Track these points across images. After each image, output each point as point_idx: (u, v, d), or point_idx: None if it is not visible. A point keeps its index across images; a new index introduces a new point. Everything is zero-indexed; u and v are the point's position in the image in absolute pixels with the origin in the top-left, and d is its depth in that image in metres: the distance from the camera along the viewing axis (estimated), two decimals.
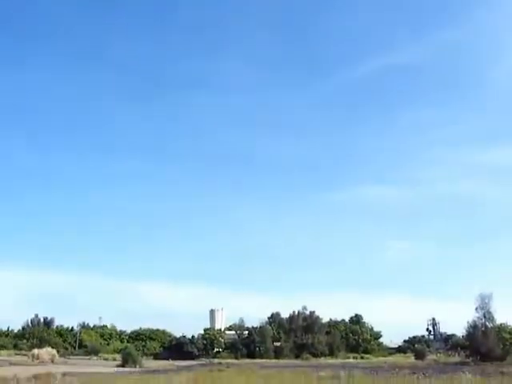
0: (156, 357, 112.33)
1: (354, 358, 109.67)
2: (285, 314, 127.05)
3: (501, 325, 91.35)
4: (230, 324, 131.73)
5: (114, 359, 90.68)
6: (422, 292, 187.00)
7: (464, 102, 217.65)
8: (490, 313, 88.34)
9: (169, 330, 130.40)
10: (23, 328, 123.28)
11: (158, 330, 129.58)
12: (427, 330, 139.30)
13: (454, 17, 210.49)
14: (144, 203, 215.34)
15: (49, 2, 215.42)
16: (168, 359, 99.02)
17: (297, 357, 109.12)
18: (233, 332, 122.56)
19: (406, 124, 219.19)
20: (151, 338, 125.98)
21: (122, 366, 72.69)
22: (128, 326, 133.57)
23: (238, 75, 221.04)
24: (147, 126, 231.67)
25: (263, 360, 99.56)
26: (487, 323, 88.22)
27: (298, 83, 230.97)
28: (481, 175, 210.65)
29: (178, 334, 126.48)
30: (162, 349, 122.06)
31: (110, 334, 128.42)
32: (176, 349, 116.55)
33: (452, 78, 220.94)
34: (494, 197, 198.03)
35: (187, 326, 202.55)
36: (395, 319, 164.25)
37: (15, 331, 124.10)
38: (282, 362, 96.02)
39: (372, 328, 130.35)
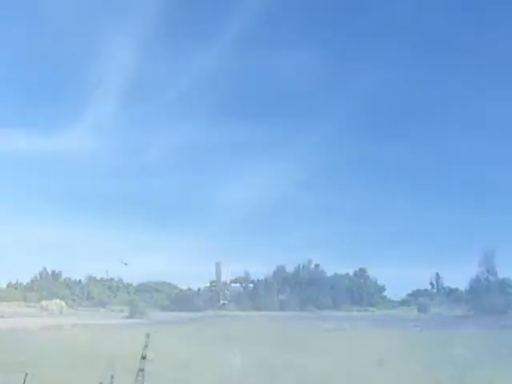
0: (163, 309, 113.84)
1: (357, 310, 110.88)
2: (290, 268, 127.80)
3: (503, 279, 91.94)
4: (236, 277, 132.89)
5: (122, 311, 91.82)
6: (426, 247, 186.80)
7: None
8: (493, 267, 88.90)
9: (175, 282, 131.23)
10: (32, 281, 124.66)
11: (164, 282, 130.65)
12: (430, 283, 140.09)
13: None
14: None
15: None
16: (174, 311, 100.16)
17: (301, 309, 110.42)
18: (238, 285, 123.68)
19: None
20: (158, 291, 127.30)
21: (130, 317, 73.56)
22: (134, 278, 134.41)
23: None
24: None
25: (268, 312, 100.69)
26: (490, 277, 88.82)
27: None
28: None
29: (184, 287, 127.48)
30: (168, 301, 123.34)
31: (117, 287, 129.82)
32: (182, 301, 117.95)
33: None
34: None
35: (193, 278, 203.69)
36: (399, 273, 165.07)
37: (24, 284, 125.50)
38: (287, 314, 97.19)
39: (376, 281, 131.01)
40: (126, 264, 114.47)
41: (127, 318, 73.85)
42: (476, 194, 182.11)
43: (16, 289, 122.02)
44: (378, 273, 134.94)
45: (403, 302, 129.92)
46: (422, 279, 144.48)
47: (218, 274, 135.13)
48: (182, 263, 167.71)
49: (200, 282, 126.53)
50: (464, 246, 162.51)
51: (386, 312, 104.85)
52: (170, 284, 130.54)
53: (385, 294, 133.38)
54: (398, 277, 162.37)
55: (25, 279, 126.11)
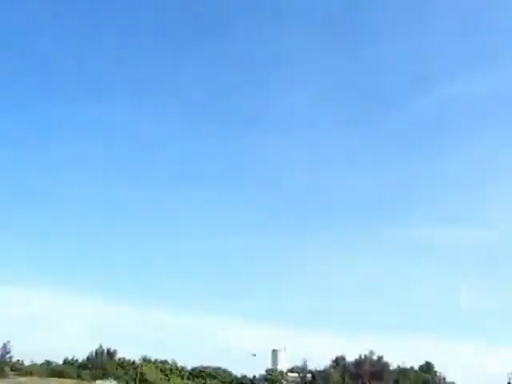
0: None
1: None
2: (350, 358, 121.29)
3: None
4: (293, 365, 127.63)
5: None
6: (500, 341, 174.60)
7: None
8: None
9: (230, 368, 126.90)
10: (88, 358, 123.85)
11: (219, 368, 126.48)
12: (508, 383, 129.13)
13: None
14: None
15: None
16: None
17: None
18: (295, 374, 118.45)
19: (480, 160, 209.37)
20: (212, 376, 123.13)
21: None
22: (189, 362, 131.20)
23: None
24: None
25: None
26: None
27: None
28: None
29: (239, 374, 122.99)
30: None
31: (171, 370, 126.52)
32: None
33: None
34: None
35: (249, 365, 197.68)
36: (471, 370, 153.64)
37: (79, 361, 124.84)
38: None
39: (444, 378, 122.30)
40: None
41: None
42: None
43: (72, 365, 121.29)
44: (446, 368, 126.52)
45: None
46: (496, 377, 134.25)
47: (275, 361, 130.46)
48: (239, 348, 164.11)
49: (255, 370, 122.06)
50: None
51: None
52: (225, 370, 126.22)
53: None
54: (470, 374, 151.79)
55: (80, 356, 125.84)
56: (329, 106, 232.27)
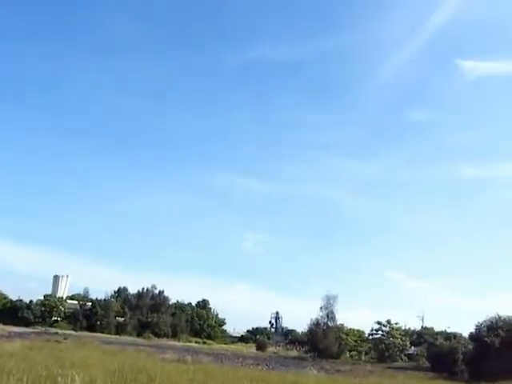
0: None
1: (196, 342, 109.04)
2: (133, 290, 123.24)
3: (341, 325, 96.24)
4: (74, 294, 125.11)
5: None
6: (270, 286, 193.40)
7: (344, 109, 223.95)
8: (332, 313, 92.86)
9: (5, 291, 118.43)
10: None
11: None
12: (270, 322, 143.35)
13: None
14: None
15: None
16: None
17: (139, 335, 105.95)
18: (75, 302, 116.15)
19: (281, 120, 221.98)
20: None
21: None
22: None
23: None
24: None
25: (103, 335, 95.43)
26: (329, 322, 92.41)
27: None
28: (344, 183, 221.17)
29: (14, 298, 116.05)
30: None
31: None
32: (10, 313, 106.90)
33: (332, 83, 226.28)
34: (352, 206, 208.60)
35: (28, 290, 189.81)
36: (240, 309, 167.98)
37: None
38: (123, 338, 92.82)
39: (217, 314, 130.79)
40: None
41: None
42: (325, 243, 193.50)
43: None
44: (220, 306, 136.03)
45: (242, 338, 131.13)
46: (262, 317, 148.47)
47: (55, 288, 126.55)
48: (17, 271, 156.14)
49: (35, 295, 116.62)
50: (307, 289, 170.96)
51: (225, 346, 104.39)
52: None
53: (225, 327, 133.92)
54: (240, 312, 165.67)
55: None
56: None
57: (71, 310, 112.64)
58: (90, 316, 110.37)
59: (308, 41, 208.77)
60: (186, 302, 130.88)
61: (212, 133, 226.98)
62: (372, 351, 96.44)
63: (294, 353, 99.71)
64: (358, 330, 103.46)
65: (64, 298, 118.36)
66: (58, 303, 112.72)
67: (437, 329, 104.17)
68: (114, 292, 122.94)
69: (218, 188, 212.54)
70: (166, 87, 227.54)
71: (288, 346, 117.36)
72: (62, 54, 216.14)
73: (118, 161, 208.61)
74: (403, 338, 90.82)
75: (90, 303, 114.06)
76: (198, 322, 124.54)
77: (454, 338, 75.08)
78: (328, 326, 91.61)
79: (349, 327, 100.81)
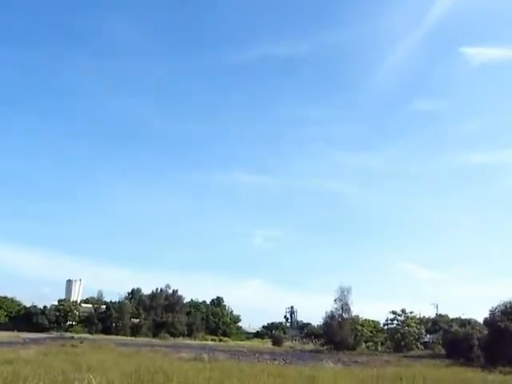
0: (0, 327, 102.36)
1: (212, 340, 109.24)
2: (146, 291, 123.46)
3: (356, 317, 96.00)
4: (88, 297, 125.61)
5: None
6: (283, 281, 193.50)
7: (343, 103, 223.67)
8: (347, 304, 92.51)
9: (18, 298, 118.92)
10: None
11: (5, 297, 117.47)
12: (285, 317, 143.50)
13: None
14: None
15: None
16: (13, 330, 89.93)
17: (154, 335, 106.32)
18: (89, 305, 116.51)
19: (282, 116, 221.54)
20: None
21: None
22: None
23: None
24: None
25: (119, 337, 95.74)
26: (344, 314, 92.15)
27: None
28: (351, 177, 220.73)
29: (28, 304, 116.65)
30: (7, 319, 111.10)
31: None
32: (24, 319, 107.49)
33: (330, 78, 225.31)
34: (360, 199, 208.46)
35: (41, 296, 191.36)
36: (255, 305, 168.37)
37: None
38: (138, 339, 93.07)
39: (232, 311, 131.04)
40: None
41: None
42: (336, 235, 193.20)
43: None
44: (235, 303, 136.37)
45: (258, 334, 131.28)
46: (277, 312, 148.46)
47: (69, 292, 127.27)
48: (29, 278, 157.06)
49: (49, 301, 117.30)
50: (321, 282, 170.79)
51: (241, 343, 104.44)
52: (12, 300, 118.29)
53: (240, 324, 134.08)
54: (254, 308, 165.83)
55: None
56: None
57: (86, 314, 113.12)
58: (104, 319, 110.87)
59: (308, 38, 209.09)
60: (201, 301, 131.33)
61: (212, 133, 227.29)
62: (388, 341, 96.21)
63: (310, 346, 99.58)
64: (373, 321, 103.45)
65: (78, 301, 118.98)
66: (73, 307, 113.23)
67: (451, 316, 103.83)
68: (128, 293, 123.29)
69: (224, 186, 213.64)
70: (166, 87, 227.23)
71: (304, 340, 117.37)
72: (62, 55, 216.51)
73: (119, 162, 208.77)
74: (418, 327, 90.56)
75: (105, 306, 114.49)
76: (213, 319, 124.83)
77: (469, 324, 74.57)
78: (343, 318, 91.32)
79: (364, 318, 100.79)
